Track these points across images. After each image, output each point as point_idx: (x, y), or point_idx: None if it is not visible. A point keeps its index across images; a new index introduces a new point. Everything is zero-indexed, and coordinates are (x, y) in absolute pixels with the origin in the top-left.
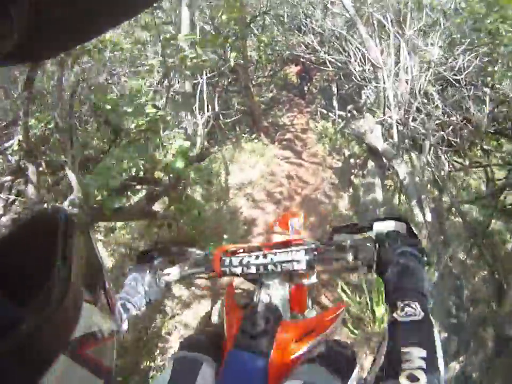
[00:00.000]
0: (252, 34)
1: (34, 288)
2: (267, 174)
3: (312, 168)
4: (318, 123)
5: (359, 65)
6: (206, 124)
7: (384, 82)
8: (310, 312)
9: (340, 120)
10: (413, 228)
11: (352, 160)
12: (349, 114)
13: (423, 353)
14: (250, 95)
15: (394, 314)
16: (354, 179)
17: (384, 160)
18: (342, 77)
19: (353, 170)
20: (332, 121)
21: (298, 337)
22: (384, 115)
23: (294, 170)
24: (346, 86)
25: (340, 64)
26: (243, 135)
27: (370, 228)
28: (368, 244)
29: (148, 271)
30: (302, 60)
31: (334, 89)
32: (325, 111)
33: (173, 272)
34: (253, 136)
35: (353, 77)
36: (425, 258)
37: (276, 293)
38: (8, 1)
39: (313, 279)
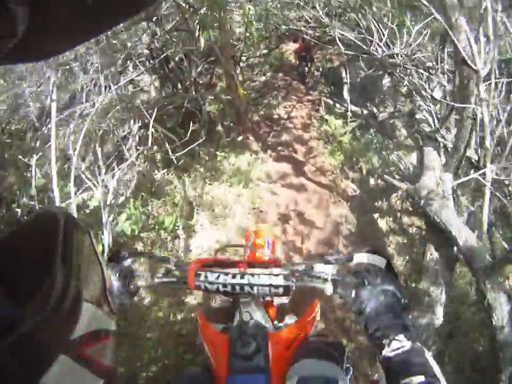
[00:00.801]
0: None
1: (34, 288)
2: (252, 217)
3: (319, 195)
4: (323, 118)
5: (384, 46)
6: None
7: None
8: (290, 318)
9: (350, 115)
10: (392, 264)
11: (373, 181)
12: (365, 111)
13: (421, 378)
14: (233, 86)
15: (384, 352)
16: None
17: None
18: (360, 60)
19: (377, 205)
20: (340, 115)
21: (289, 344)
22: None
23: (293, 201)
24: (362, 72)
25: (356, 42)
26: (224, 144)
27: (351, 259)
28: (348, 280)
29: (117, 273)
30: (302, 36)
31: (344, 74)
32: (330, 102)
33: (144, 277)
34: (239, 139)
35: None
36: (404, 300)
37: (254, 309)
38: (8, 1)
39: (284, 299)
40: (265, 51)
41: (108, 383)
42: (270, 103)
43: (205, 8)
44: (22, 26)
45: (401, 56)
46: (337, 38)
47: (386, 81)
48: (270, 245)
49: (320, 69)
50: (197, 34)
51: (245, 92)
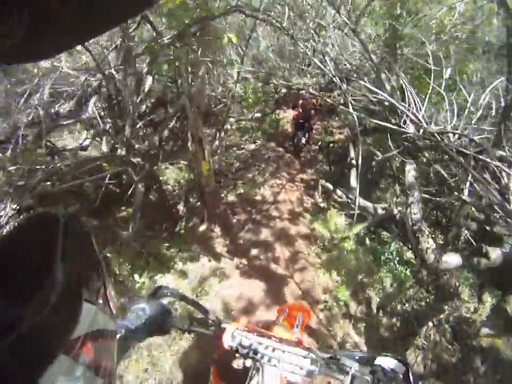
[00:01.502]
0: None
1: (34, 288)
2: None
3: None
4: (318, 207)
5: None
6: None
7: None
8: None
9: (356, 210)
10: (411, 374)
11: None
12: (379, 209)
13: None
14: (199, 155)
15: None
16: None
17: None
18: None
19: None
20: (341, 207)
21: None
22: None
23: None
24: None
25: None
26: (181, 234)
27: (373, 359)
28: (367, 379)
29: (158, 308)
30: (303, 100)
31: (351, 152)
32: (330, 186)
33: (183, 321)
34: (201, 228)
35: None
36: None
37: (269, 379)
38: (8, 1)
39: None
40: (258, 115)
41: (108, 383)
42: (255, 179)
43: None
44: (21, 27)
45: (455, 135)
46: (349, 105)
47: (410, 168)
48: (301, 324)
49: (319, 143)
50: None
51: (209, 168)
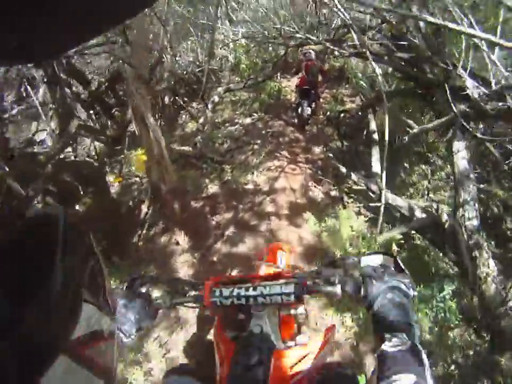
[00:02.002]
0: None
1: (34, 289)
2: None
3: None
4: (328, 197)
5: None
6: None
7: None
8: (302, 338)
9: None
10: (400, 262)
11: None
12: (418, 210)
13: (413, 378)
14: (147, 140)
15: (383, 346)
16: None
17: None
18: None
19: None
20: (359, 196)
21: (294, 364)
22: None
23: None
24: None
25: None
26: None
27: (358, 262)
28: (357, 279)
29: (136, 300)
30: (310, 59)
31: (372, 125)
32: (342, 169)
33: (163, 299)
34: (163, 239)
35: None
36: (412, 291)
37: (266, 323)
38: (8, 2)
39: (301, 309)
40: (252, 82)
41: (107, 383)
42: (248, 162)
43: None
44: (21, 27)
45: None
46: (368, 51)
47: (461, 147)
48: (284, 261)
49: (328, 114)
50: None
51: (157, 159)
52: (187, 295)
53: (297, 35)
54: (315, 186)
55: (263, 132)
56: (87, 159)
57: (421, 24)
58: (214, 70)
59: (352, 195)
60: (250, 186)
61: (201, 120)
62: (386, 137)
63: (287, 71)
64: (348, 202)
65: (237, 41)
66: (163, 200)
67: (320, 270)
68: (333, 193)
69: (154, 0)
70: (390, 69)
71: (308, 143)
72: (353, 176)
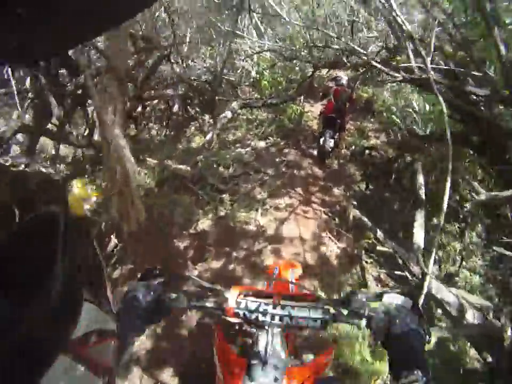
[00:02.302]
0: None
1: (34, 288)
2: None
3: None
4: (348, 257)
5: None
6: None
7: None
8: (308, 356)
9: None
10: (419, 306)
11: None
12: (472, 317)
13: None
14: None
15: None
16: None
17: None
18: None
19: None
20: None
21: (303, 381)
22: None
23: None
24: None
25: None
26: None
27: (381, 298)
28: (382, 316)
29: (151, 292)
30: (341, 84)
31: (420, 178)
32: (365, 219)
33: (180, 299)
34: None
35: None
36: (428, 337)
37: (276, 340)
38: (8, 1)
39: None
40: (274, 101)
41: (107, 383)
42: (253, 194)
43: None
44: (21, 27)
45: None
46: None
47: None
48: (294, 279)
49: (353, 148)
50: None
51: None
52: (207, 299)
53: (333, 46)
54: (330, 238)
55: (277, 159)
56: (45, 168)
57: (503, 49)
58: (232, 82)
59: (374, 255)
60: (251, 227)
61: (208, 136)
62: (445, 204)
63: (312, 95)
64: (366, 262)
65: (261, 54)
66: (128, 241)
67: (349, 301)
68: (350, 248)
69: (154, 0)
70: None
71: (326, 180)
72: (380, 234)
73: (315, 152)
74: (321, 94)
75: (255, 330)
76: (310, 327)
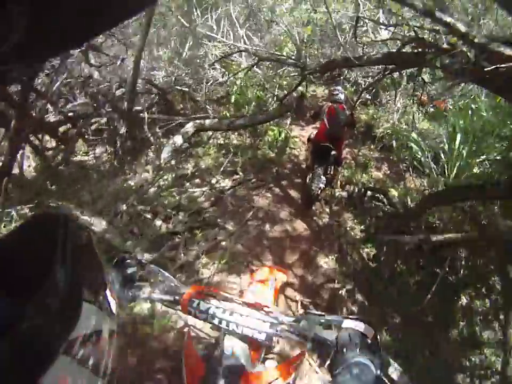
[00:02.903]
0: None
1: (34, 288)
2: None
3: None
4: None
5: None
6: None
7: None
8: (271, 362)
9: None
10: (378, 337)
11: None
12: None
13: None
14: None
15: None
16: None
17: None
18: None
19: None
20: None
21: None
22: None
23: None
24: None
25: None
26: None
27: (340, 322)
28: (329, 343)
29: (119, 278)
30: (338, 100)
31: None
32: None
33: (144, 289)
34: None
35: None
36: (378, 372)
37: (237, 345)
38: (8, 1)
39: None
40: (243, 122)
41: (107, 383)
42: (193, 266)
43: None
44: (21, 27)
45: None
46: None
47: None
48: (273, 290)
49: (350, 188)
50: None
51: None
52: (168, 294)
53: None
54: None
55: (243, 207)
56: None
57: None
58: (193, 97)
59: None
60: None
61: (146, 174)
62: None
63: (302, 115)
64: None
65: (233, 58)
66: None
67: (299, 322)
68: None
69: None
70: None
71: (311, 242)
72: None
73: (299, 196)
74: (312, 113)
75: (221, 334)
76: (255, 338)
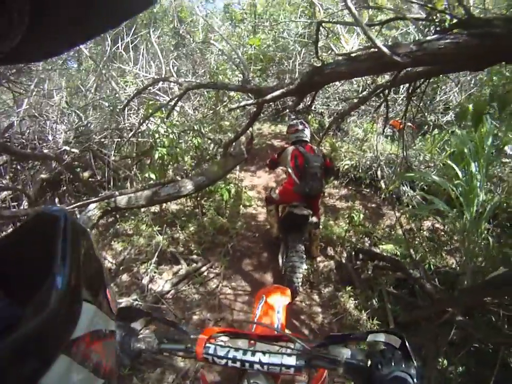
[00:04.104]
0: None
1: (34, 288)
2: None
3: None
4: None
5: None
6: None
7: None
8: None
9: None
10: (408, 345)
11: None
12: None
13: None
14: None
15: None
16: None
17: None
18: None
19: None
20: None
21: None
22: None
23: None
24: None
25: None
26: None
27: (364, 339)
28: (361, 364)
29: (123, 332)
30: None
31: None
32: None
33: (150, 342)
34: None
35: None
36: (416, 380)
37: (262, 380)
38: (8, 1)
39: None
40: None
41: (108, 383)
42: None
43: None
44: (22, 27)
45: None
46: None
47: None
48: (282, 312)
49: (337, 255)
50: None
51: None
52: (178, 342)
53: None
54: None
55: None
56: None
57: None
58: (102, 159)
59: None
60: None
61: None
62: None
63: (251, 158)
64: None
65: (157, 98)
66: None
67: (327, 346)
68: None
69: (155, 0)
70: None
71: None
72: None
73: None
74: (268, 161)
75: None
76: (282, 373)
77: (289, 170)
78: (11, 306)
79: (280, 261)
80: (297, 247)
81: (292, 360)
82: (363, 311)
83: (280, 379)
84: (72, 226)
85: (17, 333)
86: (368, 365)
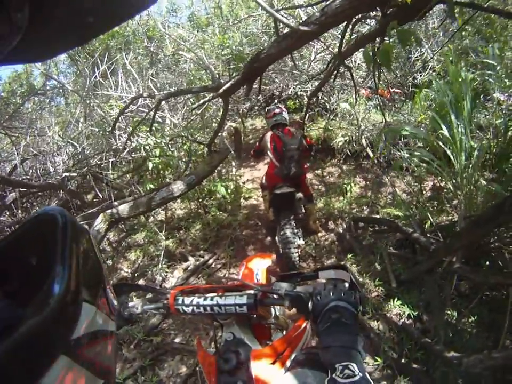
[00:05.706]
0: None
1: (34, 289)
2: None
3: None
4: None
5: None
6: None
7: None
8: (276, 335)
9: None
10: (354, 278)
11: None
12: None
13: None
14: None
15: (334, 376)
16: None
17: None
18: None
19: None
20: None
21: (273, 361)
22: None
23: None
24: None
25: None
26: None
27: (316, 276)
28: (302, 295)
29: (118, 303)
30: (281, 122)
31: None
32: None
33: (136, 305)
34: None
35: None
36: (360, 307)
37: (237, 329)
38: (8, 1)
39: (272, 319)
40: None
41: (107, 383)
42: None
43: None
44: (21, 27)
45: None
46: None
47: None
48: (260, 273)
49: (337, 226)
50: None
51: None
52: (157, 302)
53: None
54: None
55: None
56: None
57: None
58: (100, 178)
59: None
60: None
61: None
62: None
63: (245, 152)
64: None
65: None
66: None
67: (271, 284)
68: None
69: (154, 0)
70: None
71: None
72: None
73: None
74: (252, 152)
75: (220, 328)
76: (238, 312)
77: (270, 155)
78: (11, 306)
79: (277, 239)
80: (288, 223)
81: (243, 299)
82: (365, 275)
83: (255, 329)
84: (72, 226)
85: (17, 333)
86: (309, 298)
